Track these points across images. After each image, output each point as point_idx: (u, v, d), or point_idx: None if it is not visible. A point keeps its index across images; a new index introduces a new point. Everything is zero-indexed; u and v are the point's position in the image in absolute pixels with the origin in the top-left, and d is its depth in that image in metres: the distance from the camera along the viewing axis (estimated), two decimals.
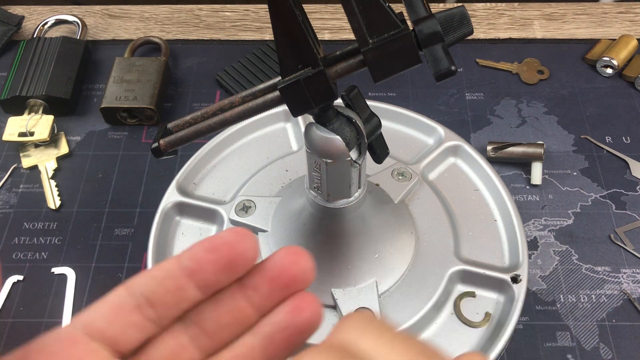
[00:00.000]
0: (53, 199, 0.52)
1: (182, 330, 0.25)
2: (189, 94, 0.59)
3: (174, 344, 0.24)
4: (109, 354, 0.23)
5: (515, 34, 0.64)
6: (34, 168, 0.54)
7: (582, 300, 0.46)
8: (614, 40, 0.61)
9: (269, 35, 0.64)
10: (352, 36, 0.32)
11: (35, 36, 0.62)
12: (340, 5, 0.33)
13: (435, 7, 0.63)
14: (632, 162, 0.53)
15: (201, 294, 0.24)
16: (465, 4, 0.36)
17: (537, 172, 0.52)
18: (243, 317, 0.25)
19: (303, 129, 0.45)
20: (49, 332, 0.23)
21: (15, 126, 0.55)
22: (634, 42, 0.60)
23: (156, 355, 0.24)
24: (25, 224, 0.51)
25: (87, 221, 0.51)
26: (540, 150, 0.52)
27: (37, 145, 0.55)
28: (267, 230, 0.45)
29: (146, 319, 0.24)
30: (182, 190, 0.48)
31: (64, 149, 0.55)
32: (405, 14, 0.32)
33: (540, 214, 0.51)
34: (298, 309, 0.24)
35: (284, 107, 0.49)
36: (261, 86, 0.34)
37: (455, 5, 0.32)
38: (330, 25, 0.65)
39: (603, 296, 0.46)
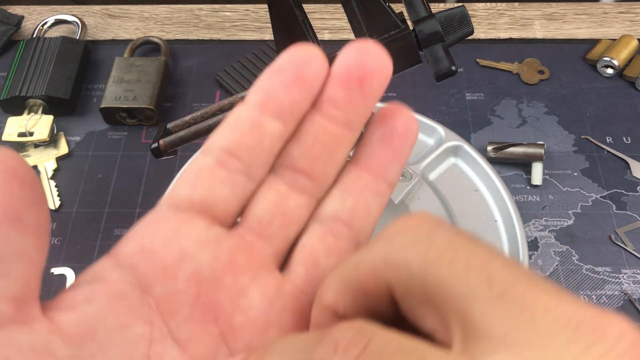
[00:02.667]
0: (52, 199, 0.52)
1: (277, 180, 0.23)
2: (188, 94, 0.59)
3: (273, 196, 0.22)
4: (204, 222, 0.21)
5: (515, 34, 0.64)
6: (34, 168, 0.54)
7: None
8: (615, 40, 0.61)
9: (269, 35, 0.64)
10: (352, 36, 0.32)
11: (34, 36, 0.62)
12: (340, 5, 0.33)
13: (435, 7, 0.63)
14: (632, 163, 0.53)
15: (281, 124, 0.22)
16: (466, 4, 0.36)
17: (537, 173, 0.52)
18: (332, 139, 0.22)
19: None
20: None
21: (14, 126, 0.55)
22: (635, 42, 0.60)
23: (258, 213, 0.22)
24: None
25: (86, 221, 0.51)
26: (541, 151, 0.52)
27: (36, 145, 0.55)
28: None
29: (233, 172, 0.22)
30: None
31: (63, 149, 0.55)
32: (406, 14, 0.32)
33: (540, 215, 0.50)
34: (388, 116, 0.23)
35: None
36: None
37: (456, 5, 0.32)
38: (330, 25, 0.65)
39: (604, 297, 0.46)
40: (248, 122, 0.22)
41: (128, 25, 0.65)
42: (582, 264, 0.48)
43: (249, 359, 0.19)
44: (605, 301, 0.46)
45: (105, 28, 0.65)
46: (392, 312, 0.18)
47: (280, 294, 0.21)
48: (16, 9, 0.66)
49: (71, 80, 0.58)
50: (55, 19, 0.64)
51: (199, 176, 0.22)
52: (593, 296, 0.46)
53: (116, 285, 0.20)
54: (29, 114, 0.56)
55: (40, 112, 0.56)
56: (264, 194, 0.22)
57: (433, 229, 0.18)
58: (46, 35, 0.62)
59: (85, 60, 0.61)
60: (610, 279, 0.47)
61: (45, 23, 0.63)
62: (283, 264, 0.23)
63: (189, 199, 0.21)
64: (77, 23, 0.64)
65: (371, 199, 0.23)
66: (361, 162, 0.23)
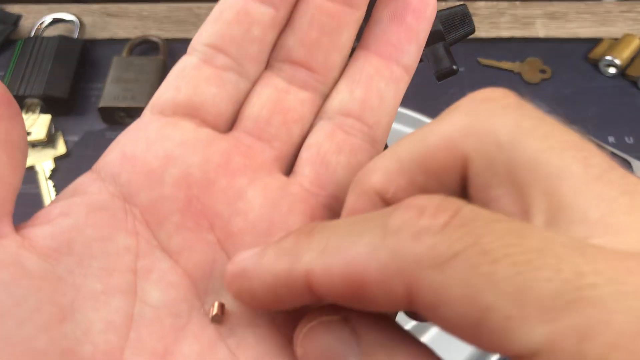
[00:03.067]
0: (50, 200, 0.51)
1: (273, 75, 0.20)
2: None
3: (270, 92, 0.20)
4: (192, 124, 0.19)
5: (517, 33, 0.63)
6: (31, 168, 0.53)
7: None
8: (617, 39, 0.60)
9: None
10: None
11: (32, 35, 0.61)
12: None
13: (437, 4, 0.62)
14: (634, 162, 0.53)
15: (270, 9, 0.19)
16: (467, 3, 0.36)
17: None
18: (331, 21, 0.20)
19: None
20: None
21: None
22: (637, 41, 0.60)
23: (254, 112, 0.20)
24: None
25: None
26: None
27: (34, 145, 0.55)
28: None
29: (220, 69, 0.19)
30: None
31: (61, 149, 0.55)
32: None
33: None
34: None
35: None
36: None
37: (457, 3, 0.32)
38: None
39: None
40: (233, 10, 0.19)
41: (126, 24, 0.65)
42: None
43: (289, 237, 0.16)
44: None
45: (104, 27, 0.64)
46: (454, 194, 0.16)
47: (285, 195, 0.19)
48: (13, 8, 0.65)
49: (69, 79, 0.57)
50: (53, 18, 0.63)
51: (182, 76, 0.19)
52: None
53: (96, 196, 0.18)
54: (26, 113, 0.55)
55: (37, 111, 0.55)
56: (259, 92, 0.20)
57: (523, 102, 0.16)
58: (44, 34, 0.62)
59: (83, 59, 0.60)
60: None
61: (43, 22, 0.63)
62: (289, 171, 0.20)
63: (173, 102, 0.19)
64: (75, 22, 0.63)
65: (384, 87, 0.20)
66: (370, 45, 0.20)
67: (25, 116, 0.55)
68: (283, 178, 0.19)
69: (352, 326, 0.15)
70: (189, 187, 0.18)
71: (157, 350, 0.16)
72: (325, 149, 0.20)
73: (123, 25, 0.65)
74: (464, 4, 0.31)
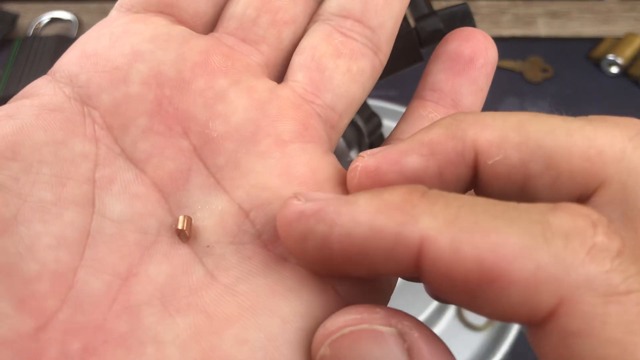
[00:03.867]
0: None
1: None
2: None
3: None
4: (164, 20, 0.17)
5: (518, 32, 0.63)
6: None
7: None
8: (619, 38, 0.60)
9: None
10: None
11: (30, 34, 0.61)
12: None
13: (437, 5, 0.62)
14: None
15: None
16: (468, 1, 0.35)
17: None
18: None
19: None
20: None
21: None
22: (639, 40, 0.59)
23: (238, 10, 0.17)
24: None
25: None
26: None
27: None
28: None
29: None
30: None
31: None
32: (407, 11, 0.32)
33: None
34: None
35: None
36: None
37: (458, 2, 0.31)
38: None
39: None
40: None
41: None
42: None
43: (392, 190, 0.13)
44: None
45: None
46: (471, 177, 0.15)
47: (275, 98, 0.17)
48: (11, 7, 0.65)
49: None
50: (51, 17, 0.63)
51: None
52: None
53: (48, 97, 0.16)
54: None
55: None
56: None
57: None
58: (42, 33, 0.62)
59: None
60: None
61: (41, 21, 0.63)
62: (279, 81, 0.18)
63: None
64: (73, 21, 0.63)
65: None
66: None
67: None
68: (272, 82, 0.17)
69: (409, 345, 0.13)
70: (160, 87, 0.16)
71: (118, 270, 0.14)
72: (321, 52, 0.17)
73: None
74: (465, 3, 0.31)
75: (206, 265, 0.15)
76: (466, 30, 0.19)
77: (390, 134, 0.19)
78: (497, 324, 0.42)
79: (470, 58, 0.19)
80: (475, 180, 0.15)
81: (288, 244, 0.14)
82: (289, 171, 0.16)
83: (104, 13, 0.65)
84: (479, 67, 0.19)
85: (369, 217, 0.13)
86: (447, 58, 0.19)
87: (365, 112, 0.35)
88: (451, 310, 0.43)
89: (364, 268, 0.13)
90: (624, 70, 0.59)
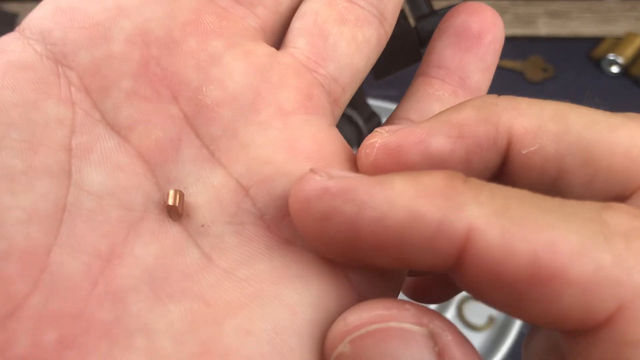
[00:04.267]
0: None
1: None
2: None
3: None
4: None
5: (519, 31, 0.63)
6: None
7: None
8: (620, 38, 0.60)
9: None
10: None
11: None
12: None
13: (438, 4, 0.62)
14: None
15: None
16: (469, 1, 0.35)
17: None
18: None
19: None
20: None
21: None
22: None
23: None
24: None
25: None
26: None
27: None
28: None
29: None
30: None
31: None
32: (407, 11, 0.32)
33: None
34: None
35: None
36: None
37: (458, 2, 0.31)
38: None
39: None
40: None
41: None
42: None
43: (432, 174, 0.12)
44: None
45: None
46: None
47: (275, 64, 0.15)
48: (11, 6, 0.65)
49: None
50: None
51: None
52: None
53: (17, 54, 0.14)
54: None
55: None
56: None
57: None
58: None
59: None
60: None
61: None
62: (276, 47, 0.16)
63: None
64: None
65: None
66: None
67: None
68: (270, 47, 0.16)
69: (440, 348, 0.12)
70: (146, 46, 0.14)
71: (99, 250, 0.12)
72: (324, 17, 0.16)
73: None
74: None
75: (202, 247, 0.13)
76: (473, 4, 0.18)
77: (394, 113, 0.18)
78: (497, 324, 0.42)
79: (478, 33, 0.18)
80: (503, 170, 0.14)
81: (303, 225, 0.12)
82: (293, 144, 0.14)
83: None
84: (487, 43, 0.18)
85: (407, 200, 0.11)
86: (454, 33, 0.18)
87: (365, 112, 0.35)
88: (451, 309, 0.43)
89: (394, 258, 0.12)
90: (625, 70, 0.58)
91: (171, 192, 0.13)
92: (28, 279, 0.12)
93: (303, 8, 0.16)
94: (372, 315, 0.12)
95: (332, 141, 0.15)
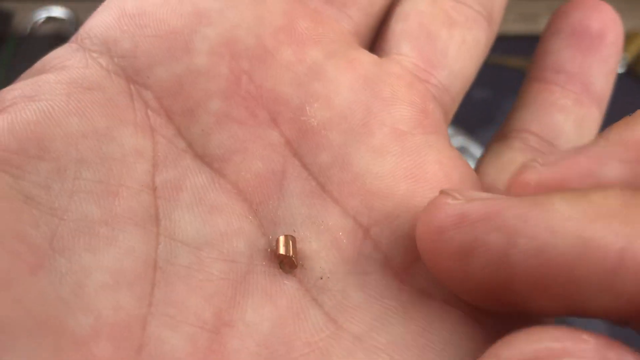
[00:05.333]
0: None
1: None
2: None
3: None
4: None
5: (522, 29, 0.62)
6: None
7: None
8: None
9: None
10: None
11: (25, 33, 0.60)
12: None
13: None
14: None
15: None
16: None
17: None
18: None
19: None
20: None
21: None
22: None
23: None
24: None
25: None
26: None
27: None
28: None
29: None
30: None
31: None
32: None
33: None
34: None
35: None
36: None
37: None
38: None
39: None
40: None
41: None
42: None
43: (604, 192, 0.10)
44: None
45: None
46: None
47: (384, 75, 0.13)
48: (7, 4, 0.64)
49: None
50: (47, 17, 0.62)
51: None
52: None
53: (80, 71, 0.12)
54: None
55: None
56: None
57: None
58: (38, 32, 0.61)
59: None
60: None
61: (37, 20, 0.62)
62: (373, 50, 0.14)
63: None
64: (69, 19, 0.62)
65: None
66: None
67: None
68: (373, 55, 0.14)
69: None
70: (235, 59, 0.12)
71: (204, 318, 0.10)
72: (428, 18, 0.14)
73: None
74: None
75: (323, 306, 0.11)
76: (588, 0, 0.16)
77: (509, 124, 0.15)
78: None
79: (598, 33, 0.16)
80: None
81: (437, 263, 0.10)
82: (416, 173, 0.12)
83: None
84: (609, 43, 0.16)
85: (576, 225, 0.09)
86: (571, 32, 0.16)
87: None
88: None
89: (557, 300, 0.09)
90: (629, 69, 0.58)
91: (281, 239, 0.11)
92: None
93: (404, 8, 0.14)
94: (538, 348, 0.09)
95: (458, 166, 0.13)
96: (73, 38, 0.13)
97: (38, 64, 0.12)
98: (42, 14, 0.62)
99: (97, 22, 0.12)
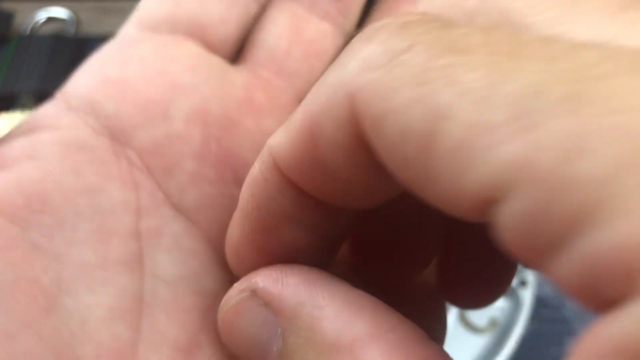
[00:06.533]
0: None
1: (288, 1, 0.16)
2: None
3: (286, 19, 0.16)
4: (198, 47, 0.15)
5: None
6: None
7: None
8: None
9: None
10: None
11: (26, 33, 0.61)
12: None
13: None
14: None
15: None
16: None
17: None
18: None
19: None
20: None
21: (6, 125, 0.54)
22: None
23: (270, 40, 0.16)
24: None
25: None
26: None
27: None
28: None
29: None
30: None
31: None
32: None
33: None
34: None
35: None
36: None
37: None
38: None
39: None
40: None
41: (122, 20, 0.64)
42: None
43: None
44: None
45: (99, 24, 0.64)
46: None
47: None
48: (9, 5, 0.65)
49: (64, 76, 0.56)
50: (48, 17, 0.63)
51: None
52: None
53: (71, 132, 0.14)
54: (21, 112, 0.55)
55: (33, 109, 0.55)
56: (274, 17, 0.16)
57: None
58: (39, 32, 0.61)
59: (79, 56, 0.59)
60: None
61: (38, 21, 0.62)
62: None
63: (172, 17, 0.15)
64: (70, 19, 0.62)
65: None
66: None
67: (20, 115, 0.54)
68: None
69: (266, 300, 0.11)
70: (206, 125, 0.14)
71: (180, 341, 0.12)
72: None
73: (119, 22, 0.64)
74: None
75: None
76: None
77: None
78: (499, 326, 0.42)
79: None
80: None
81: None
82: None
83: (104, 11, 0.64)
84: None
85: None
86: None
87: None
88: (453, 312, 0.43)
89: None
90: None
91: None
92: None
93: None
94: (229, 295, 0.12)
95: None
96: (59, 95, 0.15)
97: (30, 120, 0.14)
98: (43, 14, 0.62)
99: (83, 84, 0.15)
